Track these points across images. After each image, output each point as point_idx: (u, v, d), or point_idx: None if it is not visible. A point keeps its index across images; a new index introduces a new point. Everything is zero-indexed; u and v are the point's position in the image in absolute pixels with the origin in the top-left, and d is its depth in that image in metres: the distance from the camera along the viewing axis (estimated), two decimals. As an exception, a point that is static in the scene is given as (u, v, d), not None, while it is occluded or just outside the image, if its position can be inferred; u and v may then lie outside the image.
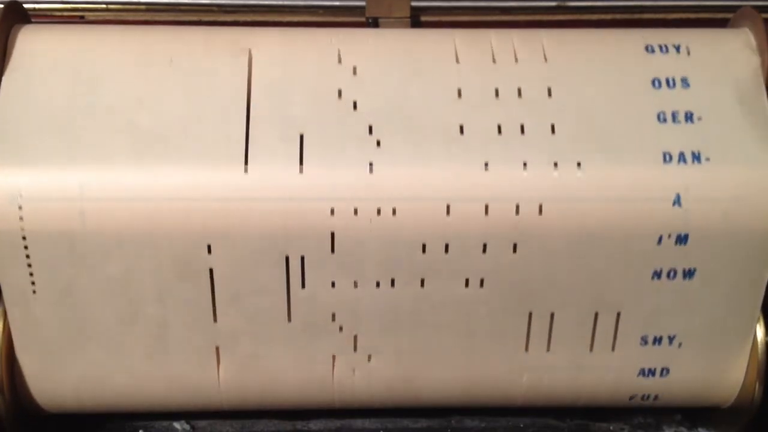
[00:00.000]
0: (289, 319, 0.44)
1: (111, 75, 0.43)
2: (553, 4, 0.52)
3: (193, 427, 0.49)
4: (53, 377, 0.45)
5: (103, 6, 0.52)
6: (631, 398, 0.47)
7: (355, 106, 0.42)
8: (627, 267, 0.42)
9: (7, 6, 0.45)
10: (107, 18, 0.52)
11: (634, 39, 0.45)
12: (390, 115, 0.42)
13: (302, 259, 0.42)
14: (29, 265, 0.42)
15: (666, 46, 0.45)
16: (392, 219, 0.41)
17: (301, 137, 0.42)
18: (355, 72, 0.43)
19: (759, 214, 0.42)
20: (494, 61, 0.44)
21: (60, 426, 0.48)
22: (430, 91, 0.43)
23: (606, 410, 0.49)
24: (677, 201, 0.41)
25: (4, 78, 0.43)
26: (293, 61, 0.44)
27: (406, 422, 0.49)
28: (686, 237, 0.42)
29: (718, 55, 0.45)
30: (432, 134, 0.42)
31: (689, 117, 0.43)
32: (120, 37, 0.45)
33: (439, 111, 0.42)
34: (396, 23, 0.50)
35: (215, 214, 0.41)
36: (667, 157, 0.42)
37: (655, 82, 0.44)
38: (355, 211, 0.41)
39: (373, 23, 0.50)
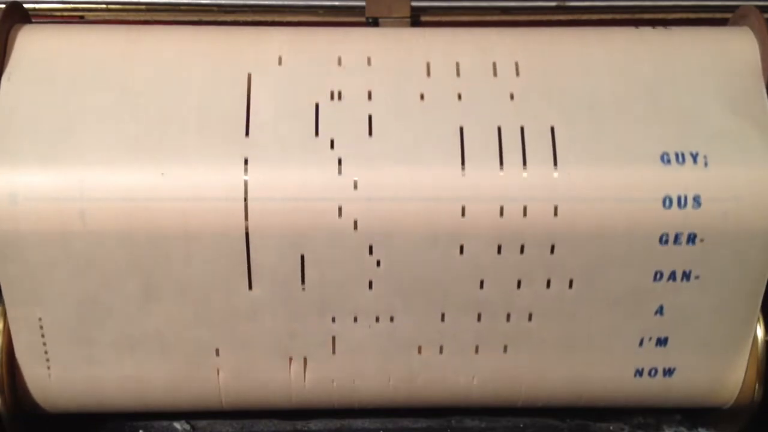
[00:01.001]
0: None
1: (111, 75, 0.43)
2: (553, 4, 0.52)
3: (193, 427, 0.49)
4: (53, 377, 0.45)
5: (103, 6, 0.52)
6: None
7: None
8: (627, 267, 0.42)
9: (8, 6, 0.45)
10: (107, 18, 0.52)
11: (633, 39, 0.45)
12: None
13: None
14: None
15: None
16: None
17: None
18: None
19: (759, 214, 0.42)
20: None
21: (60, 426, 0.48)
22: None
23: (606, 410, 0.49)
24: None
25: (4, 78, 0.43)
26: (294, 62, 0.44)
27: (406, 422, 0.49)
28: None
29: (718, 55, 0.45)
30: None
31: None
32: (120, 37, 0.45)
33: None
34: (396, 23, 0.50)
35: (215, 214, 0.41)
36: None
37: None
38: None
39: (373, 23, 0.50)
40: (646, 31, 0.46)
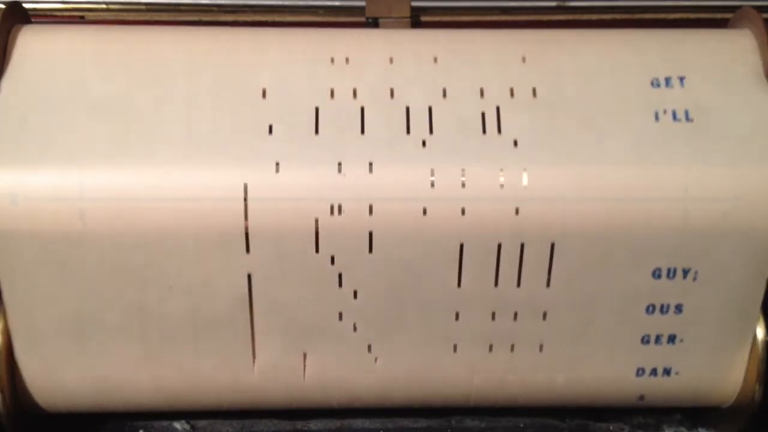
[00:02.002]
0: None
1: (111, 75, 0.43)
2: (553, 4, 0.52)
3: (193, 427, 0.49)
4: (53, 377, 0.45)
5: (103, 6, 0.52)
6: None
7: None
8: (627, 267, 0.42)
9: (8, 6, 0.45)
10: (107, 18, 0.52)
11: (632, 39, 0.45)
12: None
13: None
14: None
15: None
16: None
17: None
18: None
19: (759, 214, 0.42)
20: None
21: (60, 426, 0.48)
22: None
23: (606, 410, 0.49)
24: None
25: (4, 78, 0.43)
26: (294, 62, 0.44)
27: (406, 422, 0.49)
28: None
29: (718, 55, 0.45)
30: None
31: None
32: (120, 37, 0.45)
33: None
34: (396, 23, 0.50)
35: (216, 214, 0.41)
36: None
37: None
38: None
39: (373, 23, 0.50)
40: (646, 32, 0.46)
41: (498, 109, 0.43)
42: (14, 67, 0.43)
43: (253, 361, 0.45)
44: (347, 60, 0.44)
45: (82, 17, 0.52)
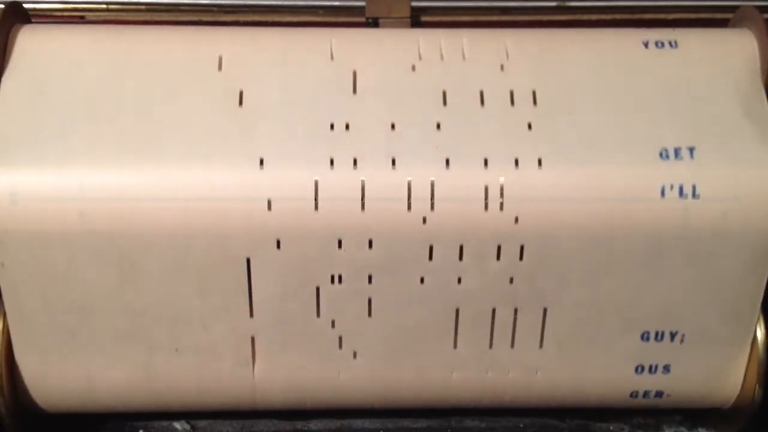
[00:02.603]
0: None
1: (111, 75, 0.43)
2: (553, 4, 0.52)
3: (193, 427, 0.49)
4: (53, 377, 0.45)
5: (103, 6, 0.52)
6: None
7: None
8: (626, 267, 0.42)
9: (8, 6, 0.45)
10: (107, 18, 0.52)
11: (632, 39, 0.45)
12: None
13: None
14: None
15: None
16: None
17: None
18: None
19: (759, 214, 0.42)
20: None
21: (60, 426, 0.48)
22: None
23: (606, 410, 0.49)
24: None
25: (4, 78, 0.43)
26: (294, 62, 0.44)
27: (406, 422, 0.49)
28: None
29: (718, 55, 0.45)
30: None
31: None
32: (120, 37, 0.45)
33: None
34: (396, 23, 0.50)
35: (216, 214, 0.41)
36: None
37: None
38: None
39: (373, 23, 0.50)
40: (646, 32, 0.46)
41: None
42: (14, 67, 0.43)
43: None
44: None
45: (82, 17, 0.52)
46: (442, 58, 0.44)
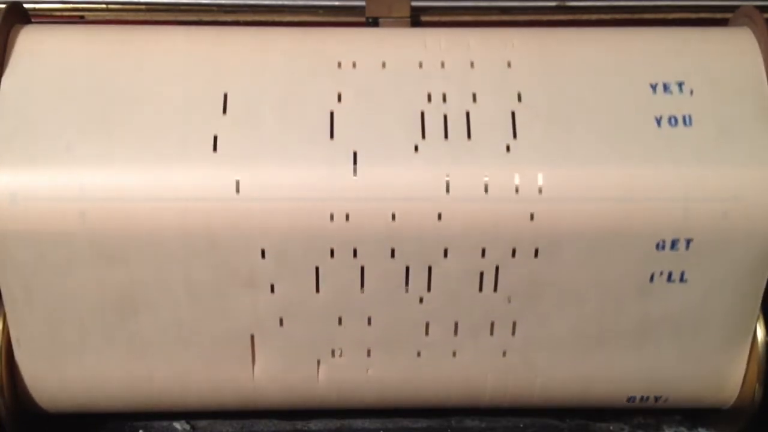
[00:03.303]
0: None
1: (111, 75, 0.43)
2: (553, 4, 0.52)
3: (193, 427, 0.49)
4: (53, 377, 0.45)
5: (103, 6, 0.52)
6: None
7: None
8: (627, 267, 0.42)
9: (8, 6, 0.45)
10: (107, 18, 0.52)
11: (633, 39, 0.45)
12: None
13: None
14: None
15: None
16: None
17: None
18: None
19: (759, 214, 0.42)
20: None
21: (60, 426, 0.48)
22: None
23: (606, 410, 0.49)
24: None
25: (4, 78, 0.43)
26: (294, 63, 0.44)
27: (406, 422, 0.49)
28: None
29: (718, 55, 0.45)
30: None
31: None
32: (120, 37, 0.45)
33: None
34: (396, 23, 0.50)
35: (217, 214, 0.41)
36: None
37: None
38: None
39: (373, 23, 0.50)
40: (646, 32, 0.46)
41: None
42: (14, 67, 0.43)
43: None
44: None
45: (82, 17, 0.52)
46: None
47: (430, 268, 0.42)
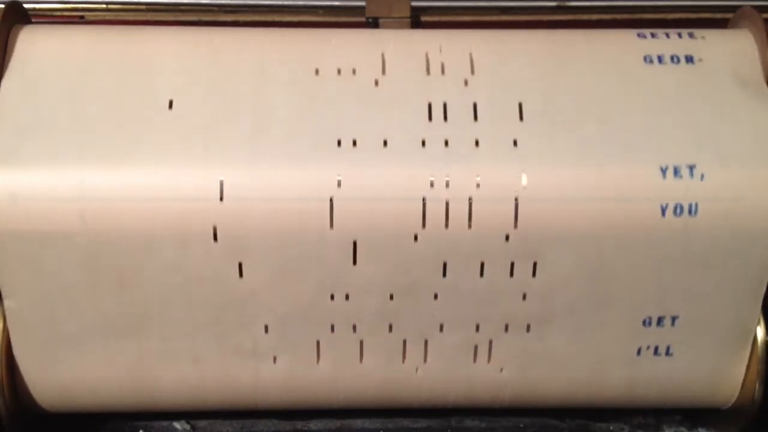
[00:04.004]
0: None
1: (111, 75, 0.43)
2: (553, 4, 0.52)
3: (193, 427, 0.49)
4: (53, 377, 0.45)
5: (103, 6, 0.52)
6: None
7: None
8: (627, 267, 0.42)
9: (7, 6, 0.45)
10: (107, 18, 0.52)
11: (631, 40, 0.45)
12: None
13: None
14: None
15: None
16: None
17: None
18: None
19: (759, 214, 0.42)
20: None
21: (60, 426, 0.48)
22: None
23: (606, 410, 0.49)
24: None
25: (4, 78, 0.43)
26: (294, 63, 0.44)
27: (406, 422, 0.49)
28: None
29: (718, 55, 0.45)
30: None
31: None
32: (120, 37, 0.45)
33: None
34: (396, 23, 0.50)
35: (217, 214, 0.41)
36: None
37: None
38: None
39: (373, 23, 0.50)
40: (646, 31, 0.46)
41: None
42: (14, 67, 0.43)
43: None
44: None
45: (82, 17, 0.52)
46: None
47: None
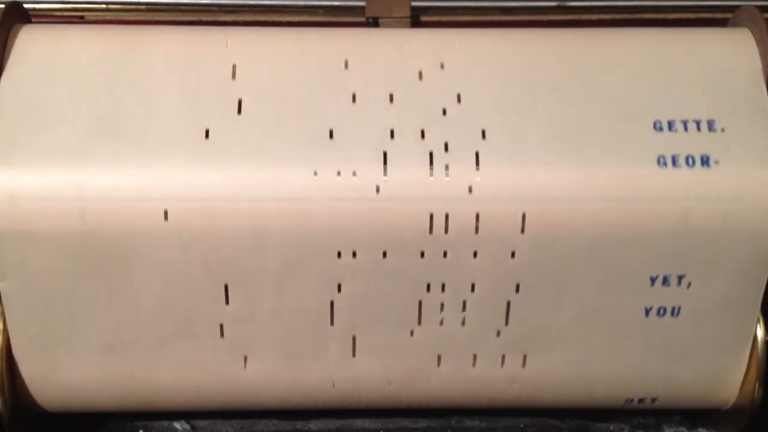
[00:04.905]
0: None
1: (111, 75, 0.43)
2: (553, 4, 0.52)
3: (193, 427, 0.49)
4: (53, 377, 0.45)
5: (103, 6, 0.52)
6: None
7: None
8: (626, 267, 0.42)
9: (7, 6, 0.45)
10: (107, 18, 0.52)
11: (632, 40, 0.45)
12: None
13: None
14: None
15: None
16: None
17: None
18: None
19: (759, 214, 0.42)
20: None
21: (60, 426, 0.48)
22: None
23: (606, 410, 0.49)
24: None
25: (3, 78, 0.43)
26: (295, 63, 0.44)
27: (406, 422, 0.49)
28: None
29: (718, 55, 0.45)
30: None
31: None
32: (120, 38, 0.45)
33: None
34: (396, 23, 0.50)
35: (217, 214, 0.41)
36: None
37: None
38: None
39: (373, 23, 0.50)
40: (646, 32, 0.46)
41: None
42: (14, 67, 0.43)
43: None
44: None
45: (82, 17, 0.52)
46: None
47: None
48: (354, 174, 0.41)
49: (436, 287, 0.43)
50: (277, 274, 0.42)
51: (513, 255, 0.42)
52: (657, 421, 0.50)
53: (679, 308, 0.44)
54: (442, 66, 0.44)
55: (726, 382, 0.46)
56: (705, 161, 0.42)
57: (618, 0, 0.52)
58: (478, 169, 0.41)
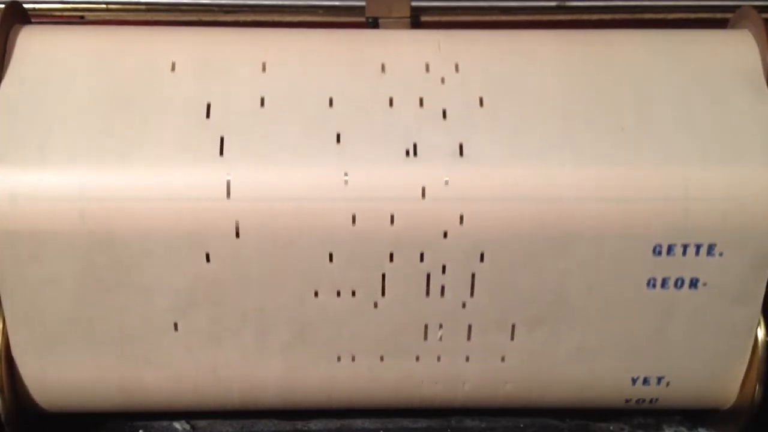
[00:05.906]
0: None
1: (110, 75, 0.43)
2: (553, 4, 0.52)
3: (193, 427, 0.49)
4: (53, 377, 0.45)
5: (103, 6, 0.52)
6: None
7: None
8: (626, 267, 0.42)
9: (7, 6, 0.45)
10: (107, 18, 0.52)
11: (632, 40, 0.45)
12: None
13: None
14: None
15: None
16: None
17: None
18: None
19: (759, 214, 0.42)
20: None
21: (60, 426, 0.48)
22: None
23: (606, 410, 0.49)
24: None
25: (3, 78, 0.43)
26: (303, 65, 0.44)
27: (406, 422, 0.49)
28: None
29: (718, 55, 0.45)
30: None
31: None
32: (120, 38, 0.45)
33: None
34: (396, 23, 0.50)
35: (217, 214, 0.41)
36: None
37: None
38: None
39: (373, 23, 0.50)
40: (646, 33, 0.46)
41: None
42: (14, 67, 0.43)
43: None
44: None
45: (82, 17, 0.52)
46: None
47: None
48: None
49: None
50: (275, 274, 0.42)
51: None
52: (657, 421, 0.50)
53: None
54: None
55: (726, 382, 0.46)
56: (705, 161, 0.42)
57: (618, 0, 0.52)
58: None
